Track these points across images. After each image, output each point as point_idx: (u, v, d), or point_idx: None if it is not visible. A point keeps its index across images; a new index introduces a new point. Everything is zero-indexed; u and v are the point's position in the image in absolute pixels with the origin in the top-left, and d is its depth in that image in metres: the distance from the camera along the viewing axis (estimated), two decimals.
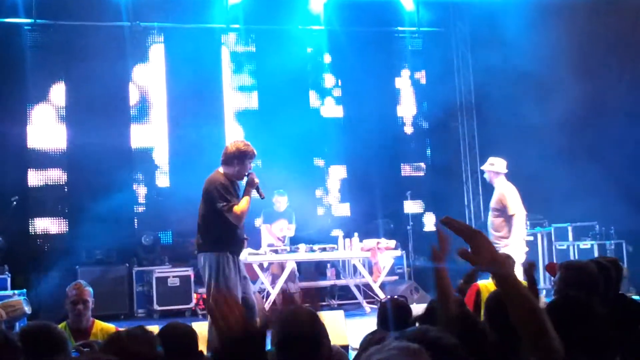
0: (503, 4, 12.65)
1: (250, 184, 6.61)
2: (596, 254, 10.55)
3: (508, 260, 5.09)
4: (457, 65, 14.20)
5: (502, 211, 9.04)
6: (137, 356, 2.65)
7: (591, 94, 11.29)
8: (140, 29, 12.50)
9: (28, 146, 12.12)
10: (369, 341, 3.64)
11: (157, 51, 12.93)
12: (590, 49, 11.75)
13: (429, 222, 14.22)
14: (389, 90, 14.29)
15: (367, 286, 11.18)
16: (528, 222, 11.22)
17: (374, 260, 11.23)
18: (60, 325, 4.70)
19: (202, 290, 10.98)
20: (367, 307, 10.85)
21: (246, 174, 6.64)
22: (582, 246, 11.43)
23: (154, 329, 3.71)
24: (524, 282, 3.44)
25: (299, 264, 11.38)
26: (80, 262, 11.30)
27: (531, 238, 11.59)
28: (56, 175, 12.25)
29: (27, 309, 6.93)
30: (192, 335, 3.73)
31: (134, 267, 11.51)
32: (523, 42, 11.95)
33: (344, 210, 13.91)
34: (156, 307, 11.05)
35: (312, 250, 10.69)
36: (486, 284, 6.09)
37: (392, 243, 11.35)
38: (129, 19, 12.33)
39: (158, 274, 11.23)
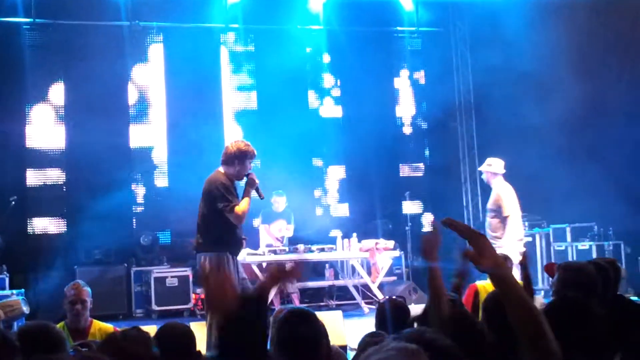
0: (502, 4, 12.65)
1: (251, 184, 6.60)
2: (594, 255, 10.56)
3: (506, 262, 5.10)
4: (456, 65, 14.21)
5: (498, 212, 9.06)
6: (133, 357, 2.65)
7: (590, 94, 11.29)
8: (139, 29, 12.50)
9: (27, 146, 12.11)
10: (367, 342, 3.64)
11: (156, 51, 12.92)
12: (589, 49, 11.75)
13: (428, 223, 14.21)
14: (387, 91, 14.29)
15: (366, 287, 11.18)
16: (526, 223, 11.23)
17: (373, 260, 11.23)
18: (59, 325, 4.70)
19: (201, 290, 10.99)
20: (366, 308, 10.84)
21: (246, 174, 6.64)
22: (580, 247, 11.44)
23: (152, 329, 3.71)
24: (521, 282, 3.44)
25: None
26: (78, 262, 11.30)
27: (529, 239, 11.60)
28: (55, 175, 12.24)
29: (26, 309, 6.92)
30: (190, 336, 3.72)
31: (133, 267, 11.51)
32: (522, 42, 11.95)
33: (342, 210, 13.91)
34: (154, 307, 11.04)
35: (311, 251, 10.69)
36: (484, 285, 6.10)
37: (391, 243, 11.36)
38: (128, 18, 12.33)
39: (156, 274, 11.22)
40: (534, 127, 11.83)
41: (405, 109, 14.49)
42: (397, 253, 11.64)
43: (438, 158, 14.32)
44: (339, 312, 8.35)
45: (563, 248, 11.66)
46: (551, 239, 11.93)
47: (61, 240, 11.85)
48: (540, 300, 7.04)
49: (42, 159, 12.18)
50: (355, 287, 11.33)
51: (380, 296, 10.21)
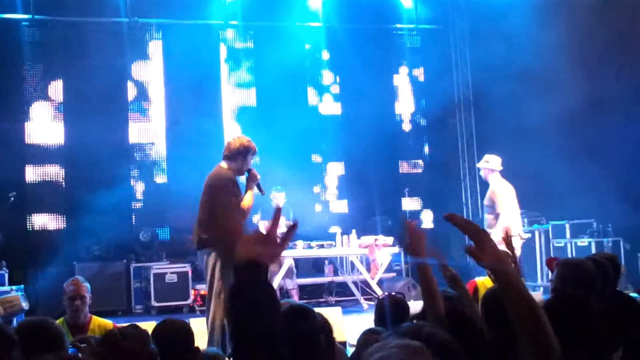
0: (501, 1, 12.66)
1: (252, 180, 6.61)
2: (593, 252, 10.56)
3: (507, 257, 5.09)
4: (455, 62, 14.22)
5: (493, 208, 9.09)
6: (131, 354, 2.65)
7: (589, 91, 11.28)
8: (138, 25, 12.51)
9: (26, 142, 12.11)
10: (366, 338, 3.63)
11: (155, 48, 12.92)
12: (588, 46, 11.74)
13: (427, 219, 14.23)
14: (387, 87, 14.30)
15: (365, 283, 11.19)
16: (526, 220, 11.22)
17: (372, 257, 11.23)
18: (58, 321, 4.69)
19: (200, 286, 11.00)
20: (365, 304, 10.85)
21: (247, 169, 6.64)
22: (579, 244, 11.44)
23: (151, 325, 3.71)
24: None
25: (296, 260, 11.39)
26: (78, 258, 11.30)
27: (529, 235, 11.60)
28: (54, 171, 12.25)
29: (25, 305, 6.92)
30: (188, 332, 3.72)
31: (132, 263, 11.51)
32: (521, 39, 11.95)
33: (341, 207, 13.92)
34: (154, 303, 11.05)
35: (310, 247, 10.69)
36: (484, 281, 6.10)
37: (390, 240, 11.36)
38: (127, 15, 12.33)
39: (156, 270, 11.22)
40: (533, 123, 11.83)
41: (405, 105, 14.50)
42: (396, 249, 11.63)
43: (437, 155, 14.33)
44: (338, 309, 8.35)
45: (562, 245, 11.67)
46: (550, 236, 11.93)
47: (60, 236, 11.85)
48: (539, 296, 7.04)
49: (41, 156, 12.19)
50: (355, 283, 11.34)
51: (379, 292, 10.21)
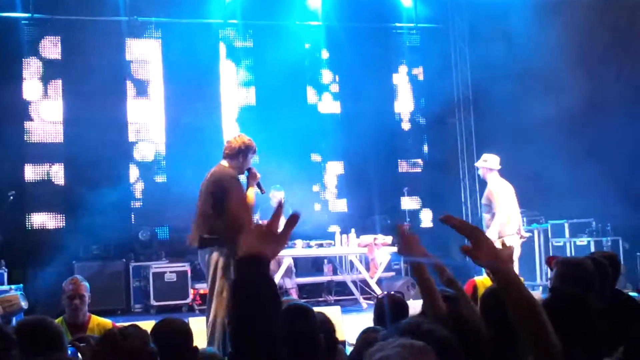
0: (501, 0, 12.65)
1: (252, 178, 6.61)
2: (592, 251, 10.55)
3: (506, 257, 5.09)
4: (455, 62, 14.21)
5: (490, 207, 9.09)
6: (131, 353, 2.65)
7: (589, 91, 11.27)
8: (137, 24, 12.50)
9: (25, 141, 12.10)
10: (365, 337, 3.64)
11: (154, 46, 12.91)
12: (588, 46, 11.73)
13: (426, 219, 14.24)
14: (386, 87, 14.30)
15: (364, 282, 11.19)
16: (525, 219, 11.22)
17: (371, 256, 11.23)
18: (57, 320, 4.70)
19: (200, 285, 11.00)
20: (364, 303, 10.85)
21: (247, 168, 6.65)
22: (578, 243, 11.44)
23: (150, 324, 3.71)
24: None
25: (295, 259, 11.39)
26: (77, 257, 11.30)
27: (529, 234, 11.60)
28: (53, 171, 12.24)
29: (24, 304, 6.91)
30: (187, 331, 3.72)
31: (131, 263, 11.51)
32: (521, 38, 11.95)
33: (341, 206, 13.92)
34: (153, 302, 11.05)
35: (309, 246, 10.70)
36: (483, 280, 6.10)
37: (389, 239, 11.36)
38: (127, 14, 12.33)
39: (155, 269, 11.22)
40: (532, 123, 11.83)
41: (404, 105, 14.50)
42: (395, 249, 11.62)
43: (436, 154, 14.33)
44: (338, 308, 8.35)
45: (561, 244, 11.67)
46: (549, 235, 11.94)
47: (59, 235, 11.84)
48: (538, 295, 7.04)
49: (40, 154, 12.18)
50: (354, 282, 11.34)
51: (378, 291, 10.21)
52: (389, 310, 4.45)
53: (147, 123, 12.85)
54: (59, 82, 12.30)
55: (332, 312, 7.83)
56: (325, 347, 3.01)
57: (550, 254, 11.44)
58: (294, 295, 10.77)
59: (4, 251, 10.55)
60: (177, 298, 11.17)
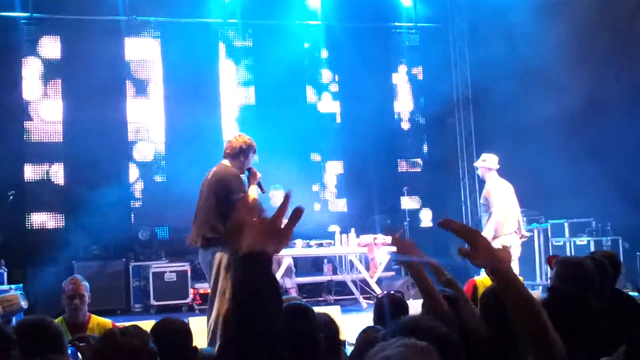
0: (501, 0, 12.64)
1: (253, 178, 6.61)
2: (592, 251, 10.55)
3: (504, 257, 5.08)
4: (454, 61, 14.21)
5: (488, 207, 9.11)
6: (131, 352, 2.65)
7: (589, 90, 11.27)
8: (137, 24, 12.49)
9: (25, 140, 12.10)
10: (365, 337, 3.64)
11: (154, 46, 12.91)
12: (589, 46, 11.73)
13: (426, 218, 14.23)
14: (386, 86, 14.30)
15: (364, 282, 11.19)
16: (525, 219, 11.23)
17: (371, 255, 11.23)
18: (57, 320, 4.69)
19: (200, 285, 11.00)
20: (364, 303, 10.85)
21: (247, 168, 6.65)
22: (578, 242, 11.44)
23: (150, 324, 3.71)
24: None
25: (295, 259, 11.39)
26: (77, 257, 11.29)
27: (530, 234, 11.60)
28: (53, 170, 12.24)
29: (24, 304, 6.92)
30: (186, 331, 3.72)
31: (131, 262, 11.50)
32: (520, 38, 11.95)
33: (340, 205, 13.92)
34: (153, 302, 11.04)
35: (309, 246, 10.69)
36: (483, 280, 6.10)
37: (389, 239, 11.34)
38: (126, 13, 12.32)
39: (155, 269, 11.22)
40: (532, 122, 11.83)
41: (404, 104, 14.50)
42: (395, 248, 11.62)
43: (436, 153, 14.33)
44: (337, 307, 8.35)
45: (561, 243, 11.67)
46: (549, 235, 11.94)
47: (59, 235, 11.84)
48: (538, 295, 7.04)
49: (40, 154, 12.18)
50: (354, 282, 11.34)
51: (378, 291, 10.21)
52: (389, 309, 4.45)
53: (146, 123, 12.84)
54: (59, 81, 12.30)
55: (332, 312, 7.83)
56: (325, 347, 3.00)
57: (550, 254, 11.45)
58: (293, 294, 10.78)
59: (4, 251, 10.55)
60: (177, 298, 11.16)
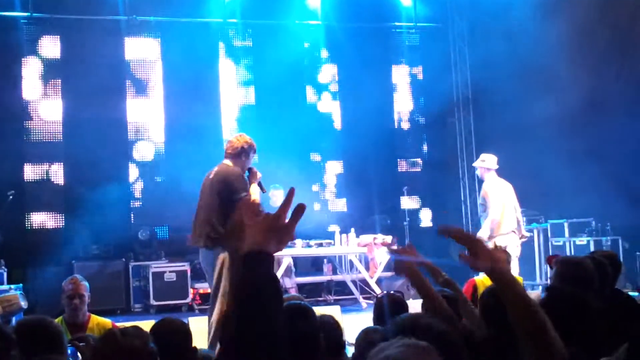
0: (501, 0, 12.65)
1: (254, 177, 6.62)
2: (592, 251, 10.54)
3: (501, 257, 5.08)
4: (454, 61, 14.21)
5: (486, 207, 9.13)
6: (131, 352, 2.65)
7: (589, 90, 11.27)
8: (137, 23, 12.49)
9: (25, 140, 12.10)
10: (365, 337, 3.64)
11: (154, 46, 12.90)
12: (588, 45, 11.73)
13: (426, 218, 14.23)
14: (385, 86, 14.29)
15: (364, 282, 11.18)
16: (524, 218, 11.23)
17: (371, 255, 11.23)
18: (57, 320, 4.69)
19: (200, 285, 11.00)
20: (364, 303, 10.85)
21: (248, 168, 6.65)
22: (578, 242, 11.44)
23: (150, 324, 3.71)
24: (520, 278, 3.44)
25: (295, 259, 11.38)
26: (76, 257, 11.29)
27: (529, 234, 11.60)
28: (53, 170, 12.23)
29: (24, 304, 6.92)
30: (186, 331, 3.72)
31: (131, 262, 11.50)
32: (521, 37, 11.94)
33: (340, 205, 13.92)
34: (153, 302, 11.04)
35: (309, 246, 10.69)
36: (482, 280, 6.11)
37: (389, 239, 11.36)
38: (126, 13, 12.32)
39: (154, 268, 11.21)
40: (532, 122, 11.82)
41: (403, 104, 14.50)
42: (395, 248, 11.62)
43: (436, 153, 14.33)
44: (337, 307, 8.36)
45: (561, 243, 11.67)
46: (549, 234, 11.93)
47: (59, 235, 11.84)
48: (537, 295, 7.04)
49: (40, 154, 12.17)
50: (354, 282, 11.34)
51: (378, 291, 10.21)
52: (389, 309, 4.45)
53: (146, 122, 12.84)
54: (59, 81, 12.29)
55: (332, 312, 7.84)
56: (327, 349, 3.00)
57: (550, 254, 11.44)
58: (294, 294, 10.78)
59: (4, 251, 10.54)
60: (176, 298, 11.16)
